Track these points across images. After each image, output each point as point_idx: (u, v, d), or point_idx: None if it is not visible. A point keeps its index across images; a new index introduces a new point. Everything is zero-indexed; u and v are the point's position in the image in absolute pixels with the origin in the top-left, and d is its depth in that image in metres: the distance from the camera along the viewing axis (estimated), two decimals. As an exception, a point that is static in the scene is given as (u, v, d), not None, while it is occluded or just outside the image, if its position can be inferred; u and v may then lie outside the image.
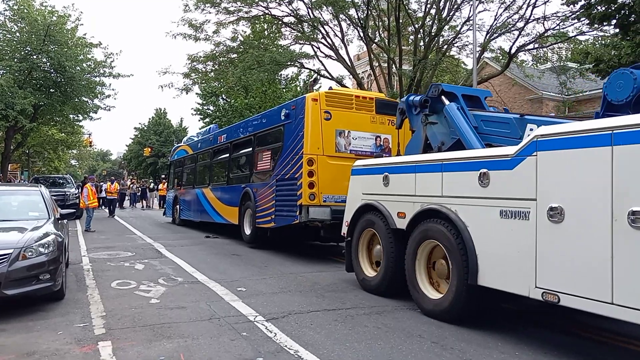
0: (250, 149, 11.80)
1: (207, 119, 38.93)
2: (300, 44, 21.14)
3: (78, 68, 25.25)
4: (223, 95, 36.42)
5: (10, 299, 5.45)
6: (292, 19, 20.82)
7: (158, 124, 58.86)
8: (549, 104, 24.36)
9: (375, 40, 20.70)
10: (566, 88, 19.46)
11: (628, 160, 3.62)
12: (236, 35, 21.92)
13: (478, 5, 18.26)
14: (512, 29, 18.87)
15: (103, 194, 23.63)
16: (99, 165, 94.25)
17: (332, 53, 20.79)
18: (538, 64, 22.90)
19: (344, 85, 21.36)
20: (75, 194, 20.19)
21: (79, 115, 29.91)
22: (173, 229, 16.75)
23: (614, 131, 3.71)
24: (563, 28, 18.04)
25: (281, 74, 28.64)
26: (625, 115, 4.00)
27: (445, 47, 20.62)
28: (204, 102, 39.64)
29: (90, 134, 40.12)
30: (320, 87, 27.15)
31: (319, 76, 21.34)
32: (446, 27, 19.94)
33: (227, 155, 13.42)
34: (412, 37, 21.04)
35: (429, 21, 19.93)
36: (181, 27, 20.97)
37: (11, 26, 24.50)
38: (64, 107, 26.96)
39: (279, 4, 20.22)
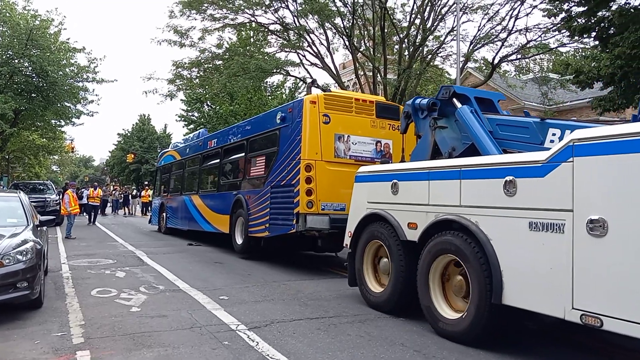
0: (243, 154, 11.41)
1: (192, 126, 38.74)
2: (286, 51, 21.20)
3: (61, 73, 24.93)
4: (208, 102, 36.30)
5: (-14, 307, 5.34)
6: (278, 27, 20.91)
7: (142, 130, 58.38)
8: (531, 113, 24.69)
9: (361, 49, 20.85)
10: (547, 98, 19.80)
11: None
12: (222, 42, 21.95)
13: (462, 16, 18.58)
14: (495, 39, 19.18)
15: (85, 200, 23.33)
16: (81, 172, 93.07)
17: (317, 61, 20.87)
18: (520, 75, 23.26)
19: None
20: (56, 201, 19.88)
21: (61, 120, 29.57)
22: (156, 236, 16.57)
23: None
24: (545, 39, 18.42)
25: (267, 82, 28.64)
26: None
27: (430, 56, 20.86)
28: (189, 108, 39.44)
29: (72, 140, 39.79)
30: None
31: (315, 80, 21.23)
32: (430, 37, 20.21)
33: (218, 160, 13.06)
34: (396, 46, 21.23)
35: (413, 31, 20.15)
36: (166, 33, 20.78)
37: (-7, 30, 24.20)
38: (46, 112, 26.61)
39: (265, 12, 20.29)
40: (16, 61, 23.50)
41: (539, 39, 18.31)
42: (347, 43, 20.35)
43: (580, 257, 3.80)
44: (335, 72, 21.23)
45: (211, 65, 21.77)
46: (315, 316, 5.89)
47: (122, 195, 32.98)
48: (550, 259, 4.01)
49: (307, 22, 20.18)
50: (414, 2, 19.49)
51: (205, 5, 19.74)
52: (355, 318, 5.85)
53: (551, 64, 22.16)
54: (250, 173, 10.96)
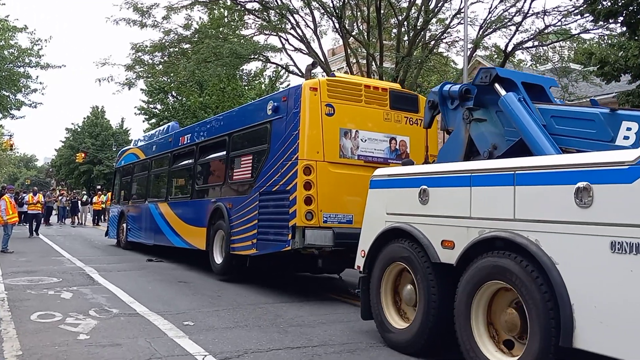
0: (224, 152, 11.02)
1: (154, 120, 38.64)
2: (266, 34, 21.25)
3: (-3, 56, 24.74)
4: (173, 92, 36.23)
5: None
6: (256, 5, 20.91)
7: (94, 124, 58.13)
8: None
9: (353, 33, 20.99)
10: (568, 92, 20.04)
11: None
12: (190, 22, 21.88)
13: (470, -5, 18.76)
14: (509, 23, 19.41)
15: (24, 208, 23.07)
16: (22, 173, 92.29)
17: (302, 46, 20.97)
18: (537, 65, 23.54)
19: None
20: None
21: (-2, 112, 29.26)
22: (110, 251, 16.46)
23: None
24: (565, 24, 18.70)
25: (243, 69, 28.64)
26: None
27: (433, 43, 21.08)
28: (150, 99, 39.35)
29: (11, 136, 39.45)
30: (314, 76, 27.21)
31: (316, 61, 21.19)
32: (434, 20, 20.41)
33: (192, 160, 12.74)
34: (394, 30, 21.37)
35: (414, 12, 20.32)
36: (124, 11, 20.83)
37: None
38: (-21, 103, 26.35)
39: (241, -13, 20.36)
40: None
41: (559, 23, 18.62)
42: (337, 25, 20.45)
43: None
44: (323, 59, 21.29)
45: (177, 50, 21.74)
46: (297, 345, 5.88)
47: (69, 202, 32.68)
48: None
49: (290, 1, 20.28)
50: (415, -21, 19.72)
51: (171, -23, 19.76)
52: (344, 347, 5.85)
53: (572, 52, 22.47)
54: (233, 177, 10.62)
